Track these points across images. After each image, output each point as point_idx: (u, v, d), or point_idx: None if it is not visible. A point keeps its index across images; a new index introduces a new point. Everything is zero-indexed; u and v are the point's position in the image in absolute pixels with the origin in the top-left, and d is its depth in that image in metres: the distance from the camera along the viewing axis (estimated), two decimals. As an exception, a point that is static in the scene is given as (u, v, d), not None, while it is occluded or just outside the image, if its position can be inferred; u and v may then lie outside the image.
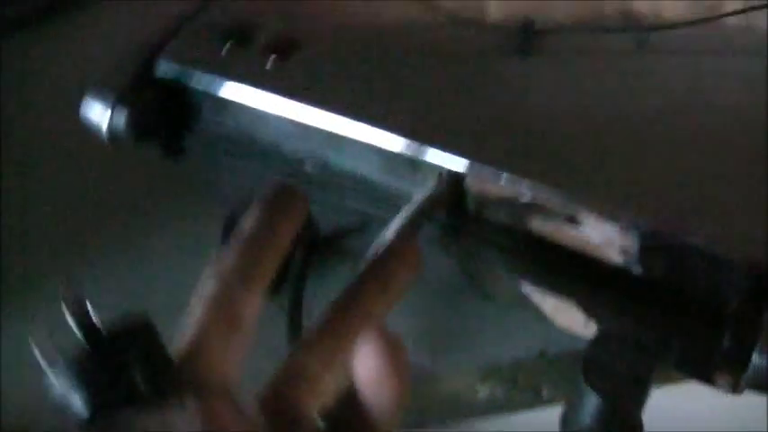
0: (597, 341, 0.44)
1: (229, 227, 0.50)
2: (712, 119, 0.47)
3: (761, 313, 0.38)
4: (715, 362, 0.39)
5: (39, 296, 0.53)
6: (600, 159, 0.45)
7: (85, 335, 0.30)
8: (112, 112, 0.47)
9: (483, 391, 0.51)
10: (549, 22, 0.54)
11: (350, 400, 0.34)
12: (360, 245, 0.50)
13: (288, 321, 0.51)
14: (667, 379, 0.47)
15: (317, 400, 0.33)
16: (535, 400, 0.51)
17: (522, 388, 0.51)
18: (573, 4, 0.55)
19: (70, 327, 0.30)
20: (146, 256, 0.57)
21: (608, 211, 0.42)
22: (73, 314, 0.30)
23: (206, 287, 0.34)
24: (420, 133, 0.44)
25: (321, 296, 0.51)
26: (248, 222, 0.36)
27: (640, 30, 0.54)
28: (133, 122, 0.48)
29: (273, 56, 0.48)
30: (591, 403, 0.42)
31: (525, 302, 0.47)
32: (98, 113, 0.48)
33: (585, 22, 0.55)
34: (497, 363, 0.51)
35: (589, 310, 0.45)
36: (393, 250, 0.39)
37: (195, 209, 0.57)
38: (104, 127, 0.48)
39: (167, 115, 0.50)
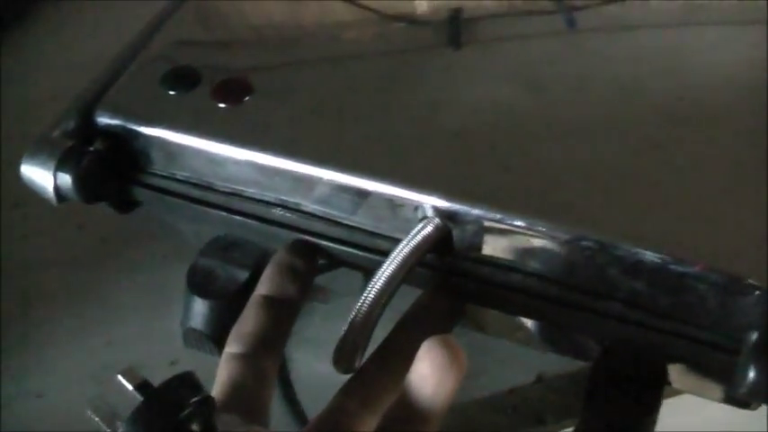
0: (600, 368, 0.42)
1: (194, 273, 0.48)
2: (661, 98, 0.45)
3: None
4: (739, 390, 0.38)
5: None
6: (582, 174, 0.42)
7: (140, 390, 0.35)
8: (55, 178, 0.45)
9: (483, 423, 0.49)
10: (479, 10, 0.52)
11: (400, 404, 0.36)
12: (327, 283, 0.48)
13: None
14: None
15: None
16: (537, 428, 0.49)
17: (521, 416, 0.49)
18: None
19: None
20: (111, 308, 0.55)
21: (610, 244, 0.40)
22: (130, 382, 0.36)
23: (232, 348, 0.41)
24: (396, 174, 0.42)
25: (296, 336, 0.49)
26: (264, 285, 0.42)
27: (569, 10, 0.52)
28: (79, 186, 0.45)
29: (224, 103, 0.46)
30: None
31: (519, 331, 0.45)
32: (40, 177, 0.45)
33: (515, 7, 0.53)
34: (494, 392, 0.49)
35: (592, 339, 0.43)
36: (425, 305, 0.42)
37: (158, 257, 0.55)
38: (50, 190, 0.45)
39: (116, 170, 0.47)
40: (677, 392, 0.45)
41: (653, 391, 0.42)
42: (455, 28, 0.51)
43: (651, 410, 0.42)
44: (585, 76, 0.47)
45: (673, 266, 0.39)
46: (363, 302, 0.39)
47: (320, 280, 0.49)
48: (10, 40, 0.67)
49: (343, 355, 0.41)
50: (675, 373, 0.43)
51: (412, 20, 0.53)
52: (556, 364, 0.49)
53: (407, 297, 0.44)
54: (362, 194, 0.43)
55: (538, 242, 0.41)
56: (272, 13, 0.52)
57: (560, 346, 0.46)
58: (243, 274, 0.47)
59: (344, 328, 0.40)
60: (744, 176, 0.41)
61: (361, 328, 0.40)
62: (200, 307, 0.47)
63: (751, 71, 0.46)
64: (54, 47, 0.66)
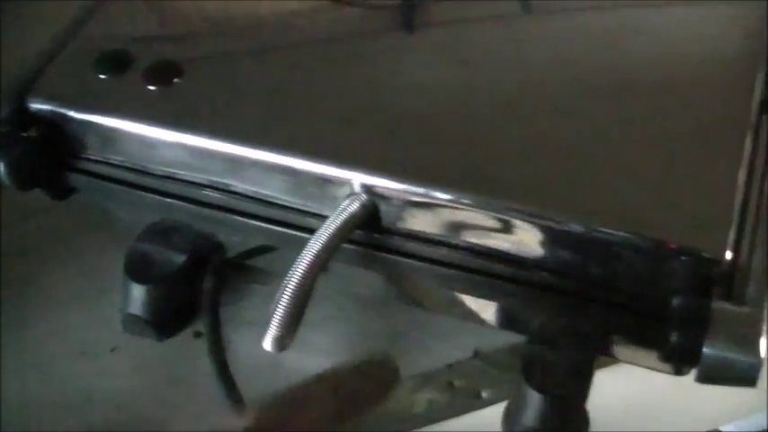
0: (535, 340, 0.43)
1: (131, 259, 0.48)
2: (616, 78, 0.46)
3: (708, 306, 0.37)
4: (663, 355, 0.38)
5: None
6: (515, 150, 0.43)
7: None
8: (-12, 165, 0.45)
9: (420, 400, 0.49)
10: None
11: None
12: (267, 265, 0.49)
13: (209, 347, 0.49)
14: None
15: None
16: (475, 402, 0.50)
17: (460, 392, 0.50)
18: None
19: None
20: (50, 298, 0.55)
21: (538, 214, 0.40)
22: None
23: None
24: (319, 151, 0.43)
25: (236, 318, 0.50)
26: None
27: None
28: (13, 172, 0.45)
29: (155, 85, 0.46)
30: (534, 402, 0.41)
31: (455, 306, 0.46)
32: (-27, 165, 0.45)
33: None
34: (432, 368, 0.50)
35: (525, 311, 0.44)
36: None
37: (97, 245, 0.55)
38: (-17, 179, 0.45)
39: (50, 156, 0.47)
40: (614, 362, 0.46)
41: (587, 360, 0.43)
42: (407, 10, 0.52)
43: (586, 378, 0.42)
44: (532, 57, 0.48)
45: (599, 234, 0.40)
46: (288, 282, 0.40)
47: (259, 261, 0.49)
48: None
49: (273, 334, 0.41)
50: (610, 342, 0.43)
51: (365, 5, 0.53)
52: (494, 338, 0.49)
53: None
54: (290, 173, 0.43)
55: (466, 216, 0.41)
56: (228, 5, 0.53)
57: (497, 320, 0.46)
58: (179, 258, 0.48)
59: (272, 307, 0.40)
60: (679, 149, 0.42)
61: (288, 307, 0.40)
62: (137, 292, 0.48)
63: (700, 47, 0.47)
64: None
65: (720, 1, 0.50)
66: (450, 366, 0.50)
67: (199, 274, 0.49)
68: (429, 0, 0.52)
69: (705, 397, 0.60)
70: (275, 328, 0.41)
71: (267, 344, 0.41)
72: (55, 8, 0.51)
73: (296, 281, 0.40)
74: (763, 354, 0.36)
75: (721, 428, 0.54)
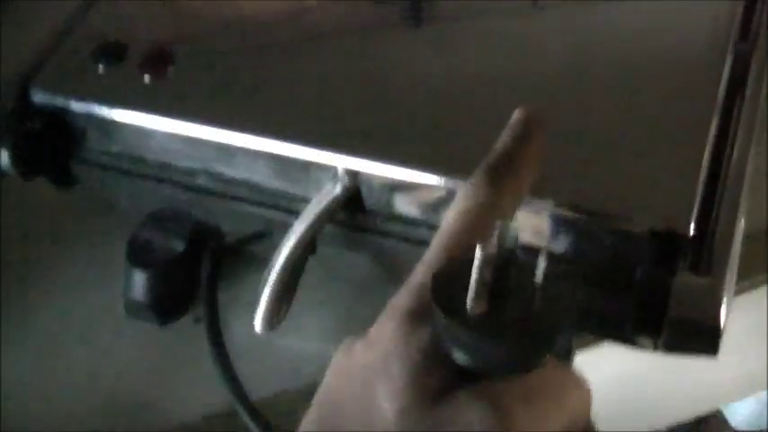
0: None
1: (133, 245, 0.50)
2: (613, 75, 0.47)
3: (669, 278, 0.38)
4: (630, 328, 0.40)
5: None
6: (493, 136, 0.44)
7: None
8: (-7, 153, 0.47)
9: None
10: None
11: None
12: (265, 249, 0.50)
13: (207, 331, 0.50)
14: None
15: None
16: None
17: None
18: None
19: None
20: (53, 283, 0.56)
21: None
22: None
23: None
24: (307, 137, 0.44)
25: (234, 303, 0.51)
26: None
27: None
28: (17, 160, 0.47)
29: (149, 74, 0.48)
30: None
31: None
32: (-22, 154, 0.47)
33: None
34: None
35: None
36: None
37: (97, 231, 0.56)
38: (-13, 167, 0.48)
39: (53, 145, 0.49)
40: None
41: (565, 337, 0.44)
42: (415, 5, 0.53)
43: (566, 355, 0.43)
44: (519, 50, 0.49)
45: (569, 214, 0.41)
46: (274, 264, 0.41)
47: (256, 247, 0.51)
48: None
49: (263, 314, 0.43)
50: (586, 319, 0.45)
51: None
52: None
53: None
54: (277, 158, 0.45)
55: (446, 197, 0.43)
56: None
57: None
58: (179, 245, 0.50)
59: (261, 288, 0.42)
60: (648, 130, 0.44)
61: (275, 288, 0.42)
62: (139, 277, 0.50)
63: (671, 36, 0.49)
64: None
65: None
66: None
67: (198, 259, 0.51)
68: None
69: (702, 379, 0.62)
70: (263, 308, 0.43)
71: (257, 324, 0.43)
72: (53, 6, 0.53)
73: (281, 262, 0.42)
74: (722, 322, 0.38)
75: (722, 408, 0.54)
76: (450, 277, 0.31)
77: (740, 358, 0.55)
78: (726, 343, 0.38)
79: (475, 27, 0.51)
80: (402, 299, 0.33)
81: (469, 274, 0.30)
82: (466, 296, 0.30)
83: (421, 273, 0.33)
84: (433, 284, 0.31)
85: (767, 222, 0.54)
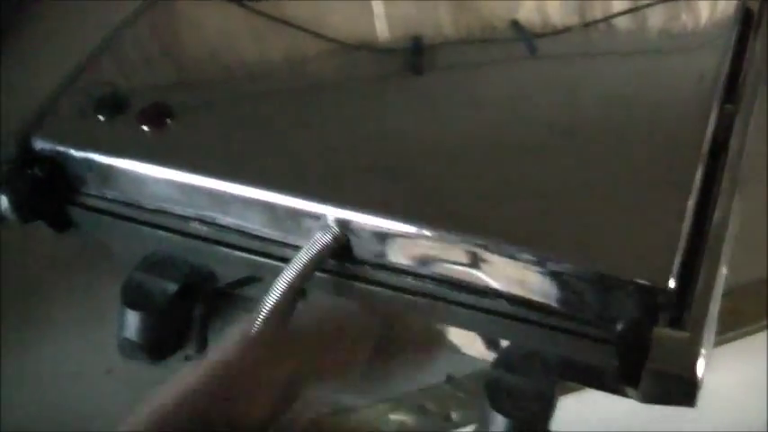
0: (498, 364, 0.45)
1: (128, 288, 0.51)
2: (600, 131, 0.48)
3: (650, 331, 0.39)
4: (612, 378, 0.41)
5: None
6: (478, 187, 0.46)
7: None
8: (-6, 199, 0.48)
9: (393, 421, 0.52)
10: (438, 38, 0.55)
11: None
12: (255, 292, 0.51)
13: None
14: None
15: None
16: (445, 424, 0.51)
17: (431, 414, 0.52)
18: (460, 17, 0.56)
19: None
20: (49, 330, 0.57)
21: (497, 247, 0.43)
22: None
23: None
24: (299, 186, 0.46)
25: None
26: None
27: (529, 38, 0.55)
28: (17, 206, 0.48)
29: (148, 126, 0.49)
30: (499, 424, 0.43)
31: (432, 335, 0.48)
32: (-22, 199, 0.49)
33: (474, 35, 0.56)
34: (406, 391, 0.52)
35: (487, 338, 0.46)
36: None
37: (92, 276, 0.58)
38: (-13, 213, 0.49)
39: (52, 191, 0.50)
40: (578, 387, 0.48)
41: (549, 385, 0.45)
42: (416, 55, 0.55)
43: (549, 402, 0.44)
44: (504, 101, 0.51)
45: (553, 266, 0.42)
46: (260, 310, 0.42)
47: (247, 291, 0.52)
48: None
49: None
50: (568, 367, 0.46)
51: (374, 48, 0.56)
52: (467, 365, 0.51)
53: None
54: (268, 207, 0.46)
55: (432, 247, 0.44)
56: (240, 50, 0.56)
57: (461, 346, 0.49)
58: (172, 287, 0.51)
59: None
60: (632, 183, 0.45)
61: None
62: (133, 319, 0.51)
63: (657, 91, 0.50)
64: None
65: (678, 52, 0.53)
66: (422, 390, 0.52)
67: (190, 302, 0.52)
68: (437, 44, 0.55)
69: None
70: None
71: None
72: (54, 54, 0.54)
73: (269, 307, 0.43)
74: (700, 375, 0.39)
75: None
76: None
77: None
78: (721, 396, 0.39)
79: (472, 78, 0.52)
80: None
81: None
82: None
83: None
84: None
85: None
